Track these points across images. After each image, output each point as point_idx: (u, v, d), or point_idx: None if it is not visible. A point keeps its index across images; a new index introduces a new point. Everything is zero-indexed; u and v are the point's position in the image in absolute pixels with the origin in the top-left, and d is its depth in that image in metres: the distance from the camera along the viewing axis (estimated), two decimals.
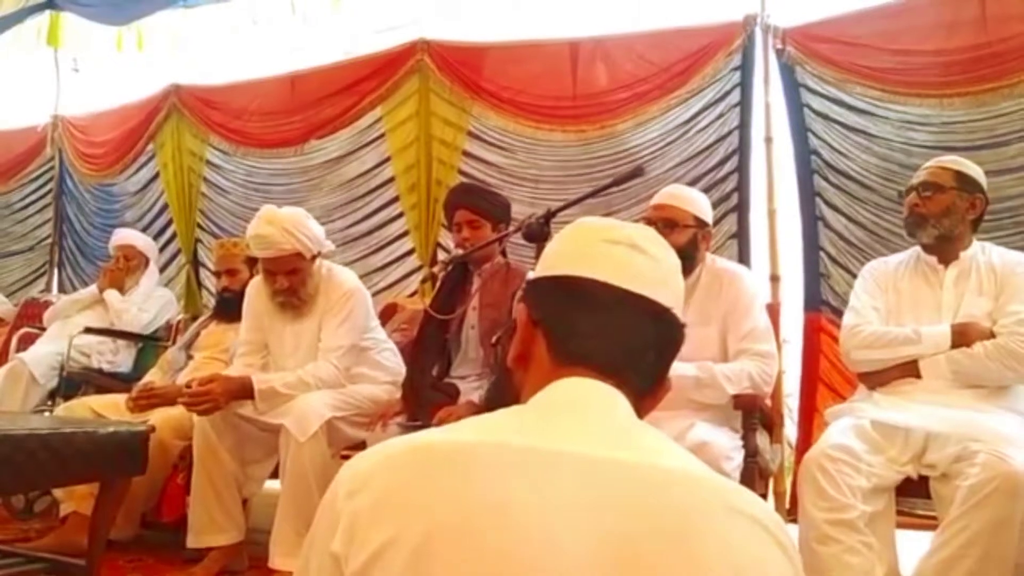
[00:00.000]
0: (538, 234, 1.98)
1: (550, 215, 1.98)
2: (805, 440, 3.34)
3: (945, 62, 3.26)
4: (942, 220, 2.28)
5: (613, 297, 0.89)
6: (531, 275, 1.04)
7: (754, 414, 2.14)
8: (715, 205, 3.63)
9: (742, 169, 3.64)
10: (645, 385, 0.91)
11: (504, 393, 0.92)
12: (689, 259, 2.37)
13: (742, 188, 3.64)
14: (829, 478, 1.88)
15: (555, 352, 0.90)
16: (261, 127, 4.56)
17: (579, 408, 0.83)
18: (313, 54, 4.59)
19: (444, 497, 0.74)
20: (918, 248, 2.37)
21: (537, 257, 1.99)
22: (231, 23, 4.69)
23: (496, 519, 0.72)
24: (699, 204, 2.42)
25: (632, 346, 0.89)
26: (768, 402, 2.41)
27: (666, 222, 2.36)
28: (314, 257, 2.83)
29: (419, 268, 4.17)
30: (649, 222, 2.39)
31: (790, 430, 3.59)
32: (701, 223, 2.40)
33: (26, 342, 4.08)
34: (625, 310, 0.89)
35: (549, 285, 0.94)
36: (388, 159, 4.29)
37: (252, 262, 3.20)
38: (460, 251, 2.59)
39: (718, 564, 0.71)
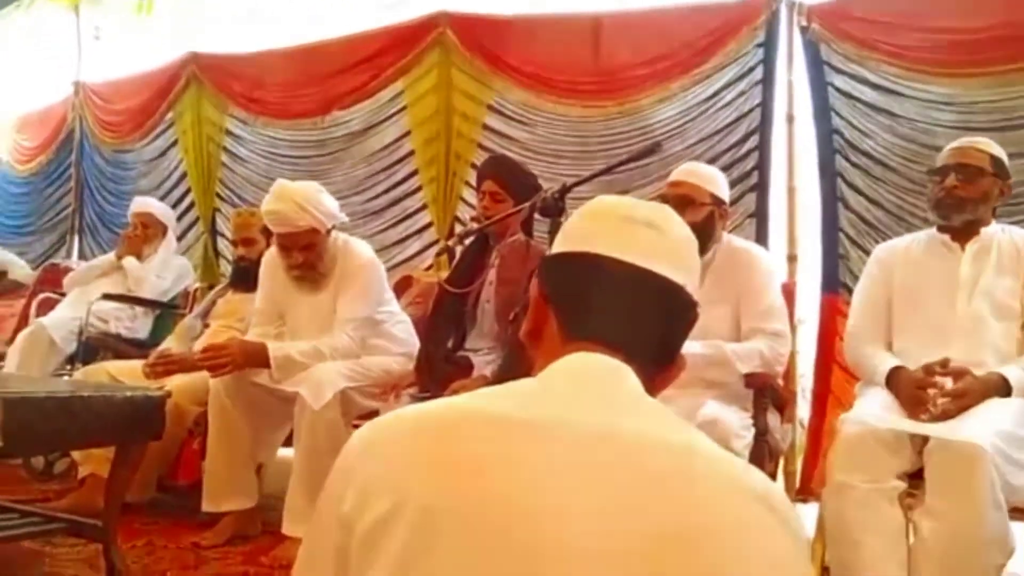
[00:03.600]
0: (552, 209, 1.97)
1: (565, 190, 1.97)
2: (818, 420, 3.33)
3: (971, 41, 3.20)
4: (979, 205, 2.24)
5: (625, 273, 0.88)
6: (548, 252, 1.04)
7: (765, 393, 2.14)
8: (735, 183, 3.62)
9: (763, 147, 3.60)
10: (656, 362, 0.91)
11: (516, 367, 0.92)
12: (705, 237, 2.35)
13: (762, 167, 3.60)
14: (868, 454, 1.88)
15: (566, 328, 0.90)
16: (280, 97, 4.57)
17: (585, 381, 0.84)
18: (333, 25, 4.56)
19: (452, 469, 0.74)
20: (932, 229, 2.34)
21: (551, 233, 2.00)
22: None
23: (502, 495, 0.72)
24: (717, 182, 2.41)
25: (643, 323, 0.89)
26: (780, 381, 2.40)
27: (682, 199, 2.34)
28: (328, 231, 2.84)
29: (436, 242, 4.18)
30: (665, 199, 2.37)
31: (803, 410, 3.59)
32: (718, 201, 2.38)
33: (46, 307, 4.14)
34: (637, 287, 0.89)
35: (563, 261, 0.94)
36: (408, 132, 4.29)
37: (268, 232, 3.21)
38: (474, 224, 2.58)
39: (721, 539, 0.71)
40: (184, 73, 4.91)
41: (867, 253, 3.28)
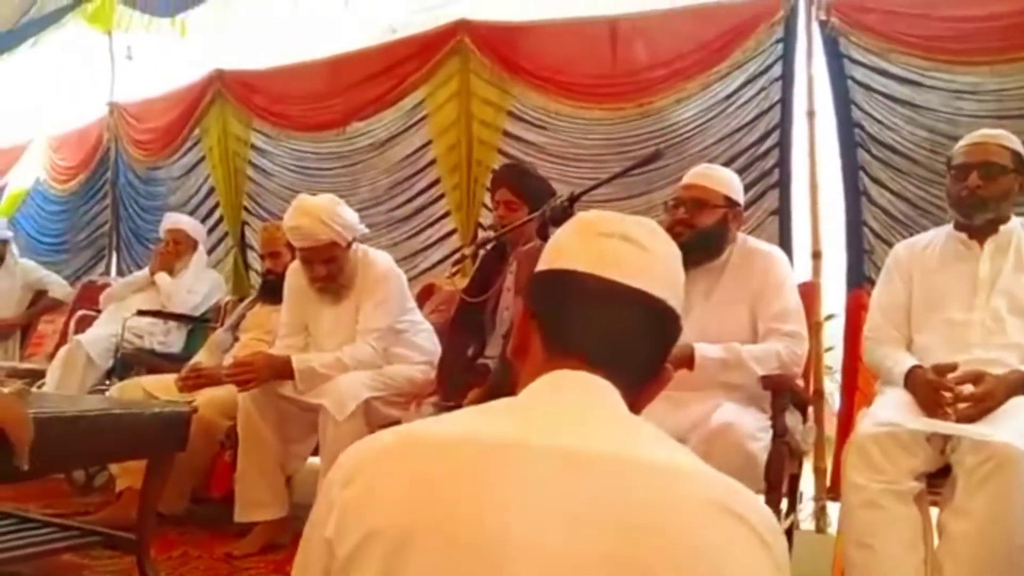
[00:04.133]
0: (561, 218, 1.98)
1: (574, 199, 1.99)
2: (847, 416, 3.30)
3: (996, 27, 3.13)
4: (1000, 203, 2.21)
5: (603, 289, 0.89)
6: None
7: (783, 394, 2.12)
8: (756, 181, 3.61)
9: (783, 144, 3.57)
10: (639, 376, 0.92)
11: (505, 383, 0.94)
12: (719, 239, 2.36)
13: (783, 163, 3.57)
14: (883, 455, 1.86)
15: (548, 344, 0.91)
16: (302, 110, 4.63)
17: (564, 400, 0.85)
18: (354, 37, 4.62)
19: (425, 492, 0.76)
20: (949, 226, 2.31)
21: None
22: (272, 7, 4.76)
23: (473, 516, 0.73)
24: (730, 183, 2.40)
25: (623, 338, 0.90)
26: (800, 381, 2.38)
27: (696, 202, 2.35)
28: (349, 244, 2.88)
29: (460, 248, 4.20)
30: (679, 202, 2.38)
31: (835, 405, 3.56)
32: (732, 203, 2.37)
33: (84, 324, 4.25)
34: (616, 302, 0.90)
35: (544, 279, 0.95)
36: (430, 141, 4.33)
37: (293, 245, 3.27)
38: (490, 233, 2.61)
39: (695, 560, 0.71)
40: (210, 90, 5.01)
41: (892, 247, 3.26)
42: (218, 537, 2.87)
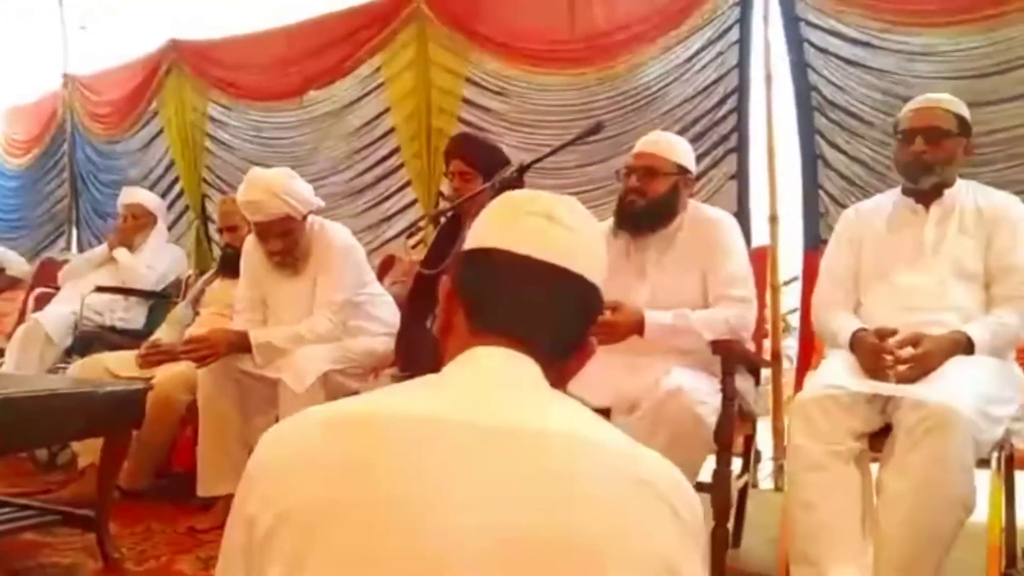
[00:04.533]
0: (511, 188, 1.99)
1: (523, 169, 1.99)
2: (803, 377, 3.36)
3: None
4: (946, 167, 2.23)
5: (524, 267, 0.90)
6: None
7: (732, 359, 2.15)
8: (714, 146, 3.63)
9: (741, 109, 3.60)
10: (560, 351, 0.93)
11: (433, 361, 0.95)
12: (671, 206, 2.37)
13: (741, 128, 3.60)
14: (825, 417, 1.90)
15: (471, 322, 0.92)
16: (260, 80, 4.59)
17: (482, 375, 0.86)
18: (309, 5, 4.55)
19: (342, 469, 0.76)
20: (897, 190, 2.34)
21: None
22: None
23: (391, 491, 0.74)
24: (680, 151, 2.40)
25: (543, 313, 0.91)
26: (752, 345, 2.42)
27: (647, 170, 2.35)
28: (304, 217, 2.87)
29: (423, 218, 4.20)
30: (631, 170, 2.39)
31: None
32: (683, 170, 2.38)
33: (42, 302, 4.20)
34: (536, 279, 0.91)
35: (468, 257, 0.96)
36: (388, 109, 4.29)
37: None
38: (446, 204, 2.60)
39: (605, 529, 0.73)
40: (165, 61, 4.94)
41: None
42: (181, 511, 2.88)
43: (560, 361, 0.94)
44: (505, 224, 0.94)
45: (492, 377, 0.86)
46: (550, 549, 0.72)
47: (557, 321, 0.93)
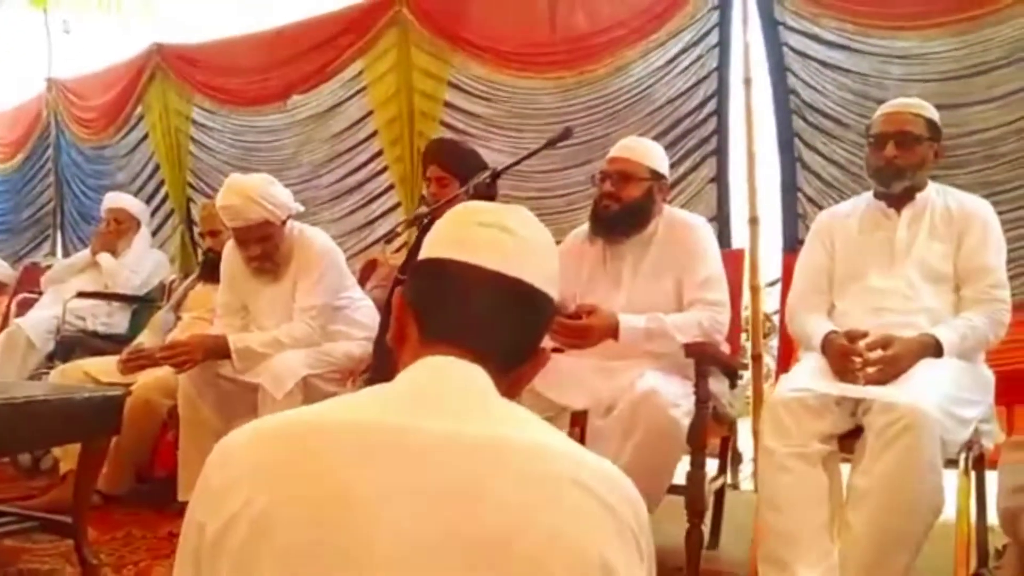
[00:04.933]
0: (484, 195, 2.01)
1: (496, 175, 2.01)
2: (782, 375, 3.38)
3: None
4: (917, 172, 2.25)
5: (475, 277, 0.92)
6: None
7: (705, 361, 2.17)
8: (694, 149, 3.65)
9: (721, 112, 3.62)
10: (512, 359, 0.94)
11: (386, 371, 0.97)
12: (645, 211, 2.40)
13: (721, 131, 3.62)
14: (793, 419, 1.93)
15: (423, 331, 0.94)
16: (243, 84, 4.59)
17: (431, 385, 0.87)
18: (292, 9, 4.56)
19: (290, 473, 0.78)
20: (869, 193, 2.36)
21: None
22: None
23: (334, 497, 0.76)
24: (654, 156, 2.43)
25: (493, 323, 0.92)
26: (727, 348, 2.44)
27: (622, 175, 2.38)
28: (284, 222, 2.88)
29: (401, 223, 4.20)
30: (605, 175, 2.41)
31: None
32: (657, 175, 2.41)
33: (25, 307, 4.20)
34: (487, 289, 0.92)
35: (420, 268, 0.98)
36: (370, 113, 4.30)
37: None
38: (423, 209, 2.62)
39: (542, 534, 0.75)
40: (149, 65, 4.93)
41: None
42: (162, 516, 2.88)
43: (513, 370, 0.95)
44: (457, 235, 0.96)
45: (439, 385, 0.87)
46: (490, 551, 0.74)
47: (508, 330, 0.94)
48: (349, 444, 0.80)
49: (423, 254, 0.99)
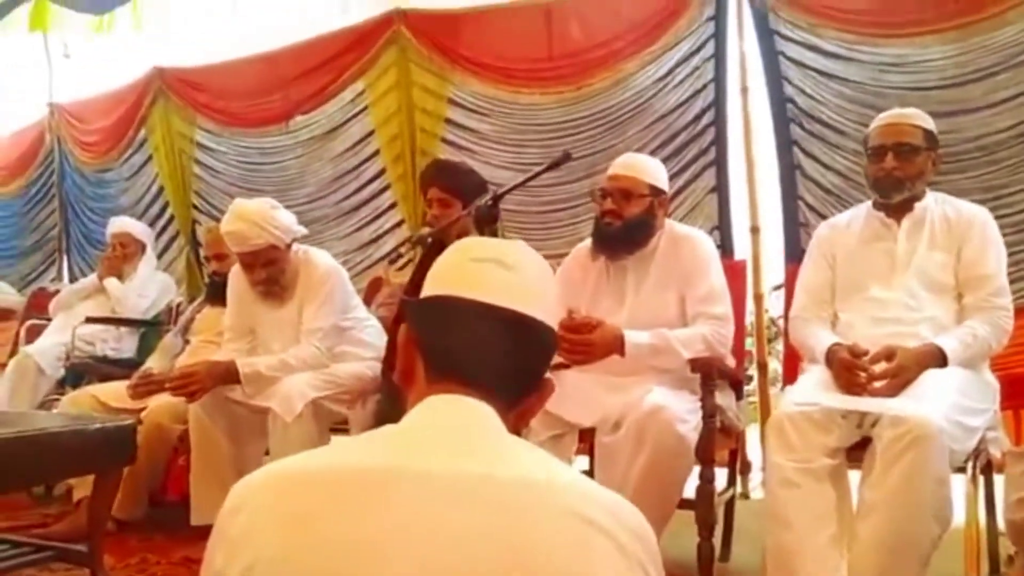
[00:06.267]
0: (487, 218, 2.02)
1: (497, 198, 2.03)
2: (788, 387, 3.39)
3: (916, 0, 3.22)
4: (916, 182, 2.27)
5: (477, 312, 0.94)
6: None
7: (711, 376, 2.19)
8: (693, 160, 3.67)
9: (719, 122, 3.65)
10: (517, 393, 0.96)
11: (393, 408, 0.99)
12: (647, 227, 2.41)
13: (719, 141, 3.65)
14: (798, 434, 1.93)
15: (429, 368, 0.96)
16: (245, 106, 4.62)
17: (438, 426, 0.89)
18: (292, 31, 4.59)
19: (300, 523, 0.80)
20: (868, 203, 2.38)
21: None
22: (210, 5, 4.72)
23: (347, 543, 0.78)
24: (653, 172, 2.44)
25: (497, 358, 0.94)
26: (732, 360, 2.45)
27: (622, 192, 2.39)
28: (288, 245, 2.90)
29: (403, 243, 4.22)
30: (606, 192, 2.43)
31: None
32: (657, 191, 2.42)
33: (34, 334, 4.23)
34: (489, 324, 0.94)
35: (424, 305, 1.00)
36: (372, 131, 4.34)
37: None
38: (426, 229, 2.64)
39: (544, 570, 0.76)
40: (151, 89, 4.97)
41: (825, 220, 3.35)
42: (176, 541, 2.90)
43: (519, 403, 0.97)
44: (456, 272, 0.98)
45: (446, 425, 0.89)
46: None
47: (513, 364, 0.96)
48: (360, 491, 0.81)
49: (425, 292, 1.01)
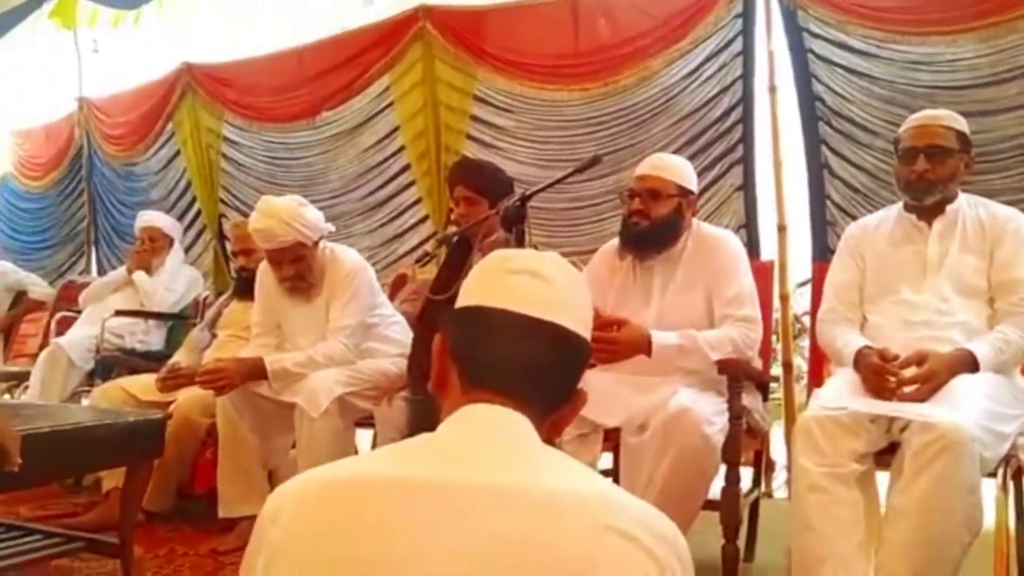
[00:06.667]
0: (514, 218, 2.03)
1: (525, 199, 2.03)
2: (816, 385, 3.37)
3: None
4: (948, 185, 2.23)
5: (511, 323, 0.95)
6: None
7: (738, 378, 2.18)
8: (721, 157, 3.66)
9: (746, 120, 3.62)
10: (551, 403, 0.97)
11: (426, 417, 1.00)
12: (674, 228, 2.41)
13: (747, 139, 3.62)
14: (826, 438, 1.91)
15: (464, 378, 0.96)
16: (272, 102, 4.66)
17: (474, 436, 0.90)
18: (318, 27, 4.62)
19: (340, 532, 0.81)
20: (899, 205, 2.35)
21: (517, 243, 2.06)
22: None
23: (386, 553, 0.79)
24: (681, 172, 2.44)
25: (532, 368, 0.95)
26: (759, 362, 2.44)
27: (650, 192, 2.39)
28: (316, 243, 2.93)
29: (435, 234, 4.25)
30: (634, 193, 2.42)
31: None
32: (684, 191, 2.41)
33: (64, 325, 4.29)
34: (523, 335, 0.95)
35: (460, 316, 1.01)
36: (397, 128, 4.35)
37: None
38: (453, 228, 2.65)
39: None
40: (179, 84, 5.02)
41: (854, 219, 3.31)
42: (203, 533, 2.94)
43: (553, 412, 0.98)
44: (492, 283, 0.99)
45: (481, 436, 0.90)
46: None
47: (547, 373, 0.97)
48: (398, 501, 0.82)
49: (460, 302, 1.02)
